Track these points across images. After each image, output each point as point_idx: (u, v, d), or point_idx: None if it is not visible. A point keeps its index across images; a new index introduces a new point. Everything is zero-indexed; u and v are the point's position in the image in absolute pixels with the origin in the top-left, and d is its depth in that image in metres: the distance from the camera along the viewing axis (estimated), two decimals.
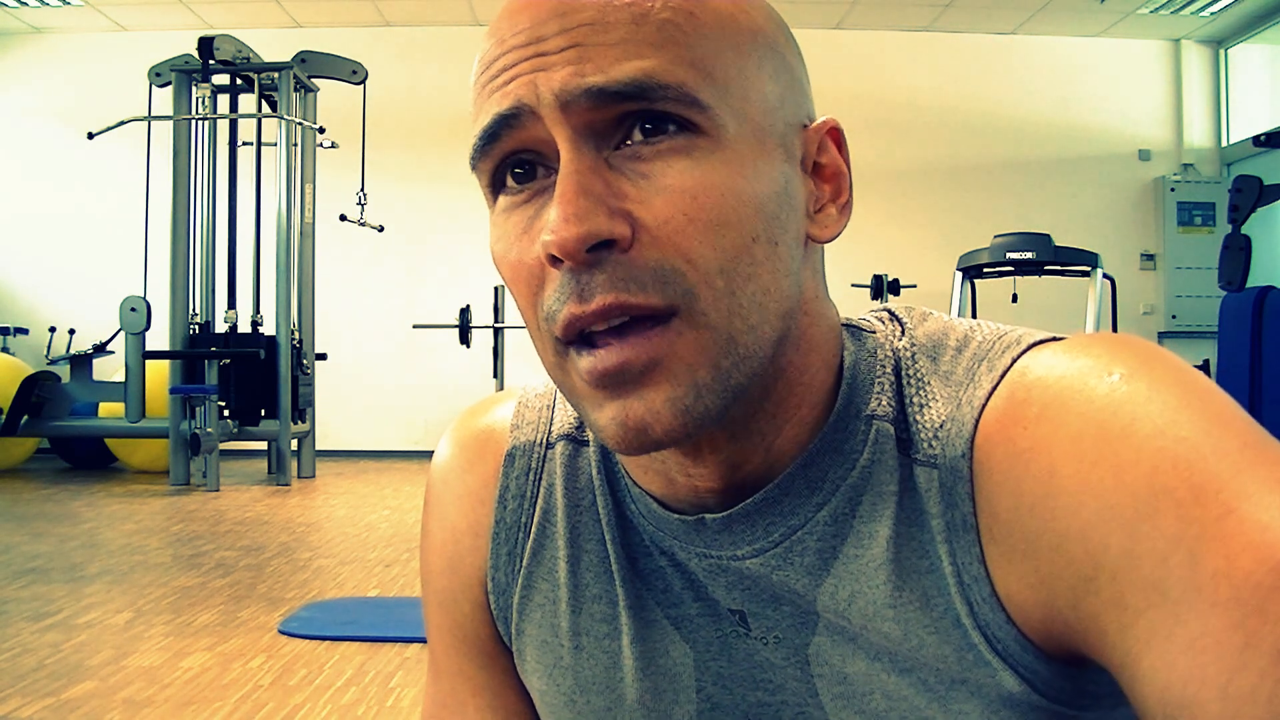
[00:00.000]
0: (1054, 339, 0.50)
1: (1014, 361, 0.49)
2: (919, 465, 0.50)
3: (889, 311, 0.57)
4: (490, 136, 0.48)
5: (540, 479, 0.62)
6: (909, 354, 0.54)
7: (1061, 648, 0.47)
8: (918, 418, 0.51)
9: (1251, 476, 0.40)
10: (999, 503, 0.47)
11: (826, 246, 0.55)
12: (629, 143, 0.47)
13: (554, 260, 0.46)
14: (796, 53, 0.53)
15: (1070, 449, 0.44)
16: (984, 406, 0.48)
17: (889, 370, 0.54)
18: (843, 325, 0.56)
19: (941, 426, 0.50)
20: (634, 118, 0.46)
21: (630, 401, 0.46)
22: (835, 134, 0.53)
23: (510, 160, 0.49)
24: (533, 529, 0.61)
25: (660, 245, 0.45)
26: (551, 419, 0.63)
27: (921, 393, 0.52)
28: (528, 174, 0.49)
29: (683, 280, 0.45)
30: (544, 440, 0.63)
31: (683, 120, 0.46)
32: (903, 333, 0.55)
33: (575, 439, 0.62)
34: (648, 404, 0.46)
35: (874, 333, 0.56)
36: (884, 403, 0.53)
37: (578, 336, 0.47)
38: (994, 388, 0.48)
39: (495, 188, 0.50)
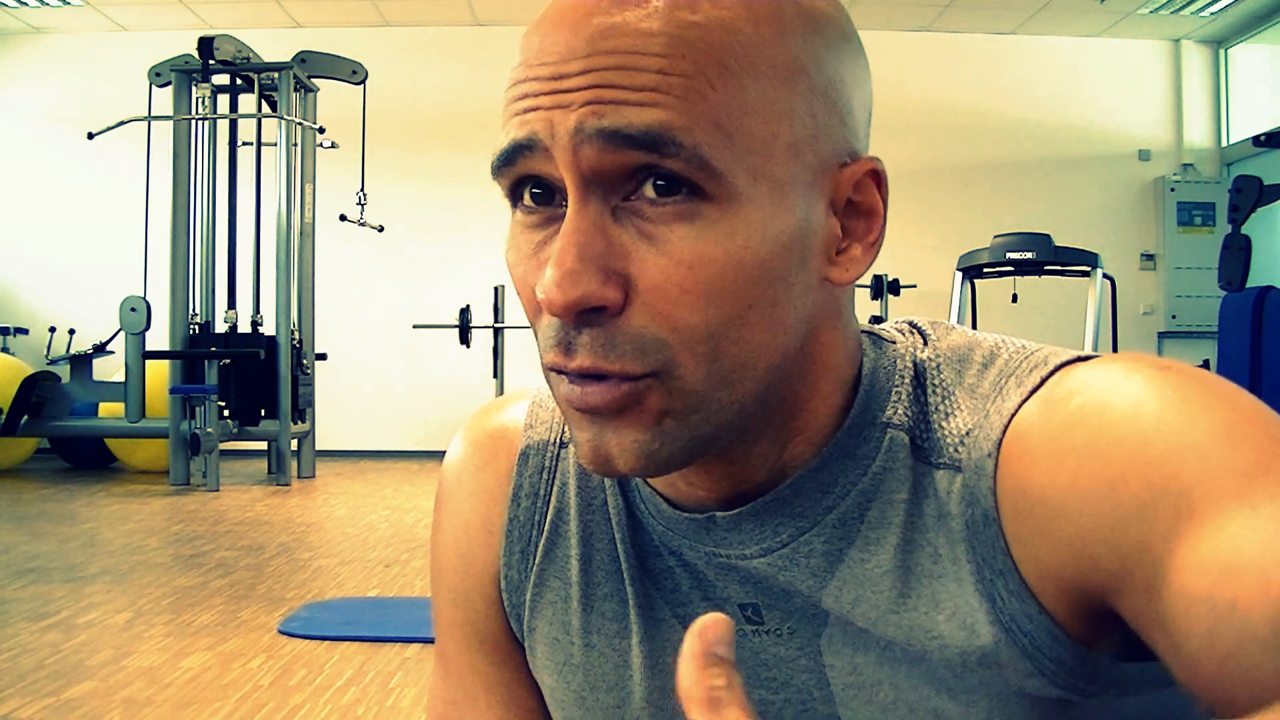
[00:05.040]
0: (1079, 358, 0.50)
1: (1043, 381, 0.50)
2: (941, 470, 0.51)
3: (910, 323, 0.58)
4: (506, 159, 0.49)
5: (554, 478, 0.63)
6: (933, 364, 0.55)
7: (1090, 610, 0.47)
8: (942, 424, 0.52)
9: None
10: (1030, 483, 0.47)
11: None
12: (636, 197, 0.46)
13: None
14: (853, 82, 0.52)
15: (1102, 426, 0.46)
16: (1013, 415, 0.49)
17: (907, 380, 0.55)
18: (864, 332, 0.57)
19: (968, 434, 0.51)
20: (645, 172, 0.46)
21: (604, 433, 0.49)
22: (876, 175, 0.52)
23: (529, 178, 0.49)
24: (546, 527, 0.63)
25: (649, 312, 0.46)
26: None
27: (946, 402, 0.53)
28: (545, 197, 0.49)
29: (664, 350, 0.47)
30: (558, 440, 0.64)
31: (693, 184, 0.45)
32: (925, 344, 0.56)
33: None
34: (619, 440, 0.49)
35: (894, 343, 0.57)
36: (900, 411, 0.54)
37: None
38: (1023, 401, 0.49)
39: (515, 197, 0.51)
